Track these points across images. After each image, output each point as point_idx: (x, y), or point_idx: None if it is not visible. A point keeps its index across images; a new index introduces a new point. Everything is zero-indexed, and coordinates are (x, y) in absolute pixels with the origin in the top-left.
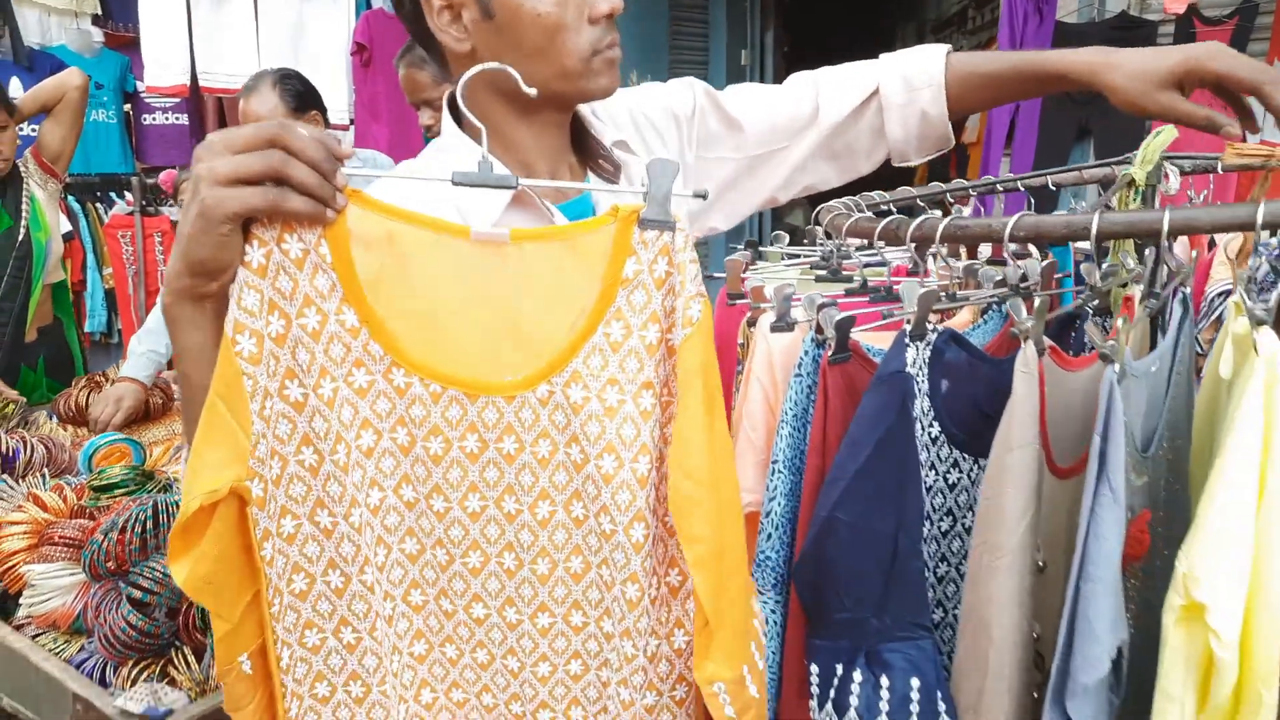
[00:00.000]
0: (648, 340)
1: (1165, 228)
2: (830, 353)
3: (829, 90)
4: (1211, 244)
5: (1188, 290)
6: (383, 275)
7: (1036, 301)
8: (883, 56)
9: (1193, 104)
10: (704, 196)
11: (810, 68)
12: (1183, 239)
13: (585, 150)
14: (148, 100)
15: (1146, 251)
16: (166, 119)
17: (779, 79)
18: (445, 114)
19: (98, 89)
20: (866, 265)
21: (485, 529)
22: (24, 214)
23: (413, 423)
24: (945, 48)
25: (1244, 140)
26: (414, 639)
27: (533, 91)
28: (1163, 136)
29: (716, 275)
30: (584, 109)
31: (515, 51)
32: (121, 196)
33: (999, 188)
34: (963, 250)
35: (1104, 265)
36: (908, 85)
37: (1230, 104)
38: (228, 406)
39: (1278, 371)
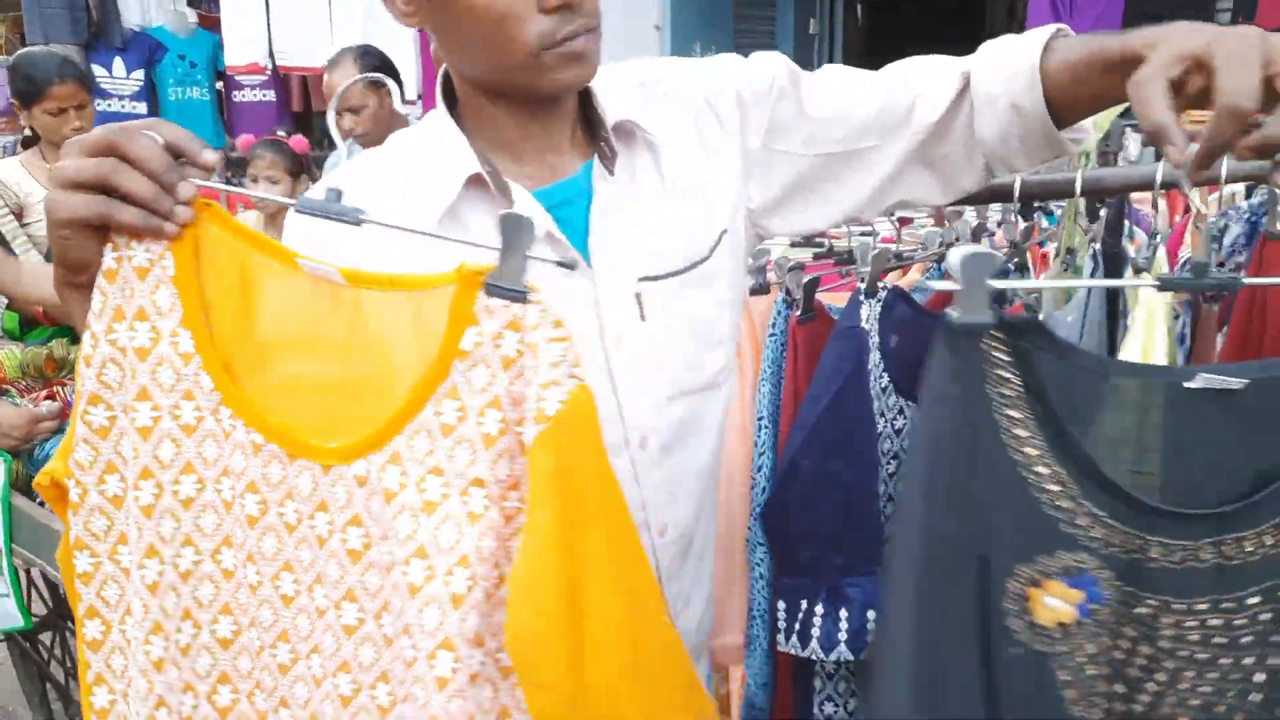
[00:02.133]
0: (485, 429)
1: (1079, 187)
2: (798, 313)
3: (924, 82)
4: (1187, 209)
5: (1097, 247)
6: (225, 300)
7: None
8: (986, 43)
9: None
10: (570, 267)
11: (886, 40)
12: (1162, 206)
13: (593, 122)
14: (238, 79)
15: (1102, 212)
16: (255, 96)
17: (849, 50)
18: (440, 96)
19: (191, 68)
20: (862, 235)
21: (296, 620)
22: None
23: (234, 474)
24: (1054, 27)
25: None
26: None
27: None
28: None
29: None
30: (624, 73)
31: (458, 37)
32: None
33: None
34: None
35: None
36: (1000, 74)
37: None
38: (75, 401)
39: (1152, 310)
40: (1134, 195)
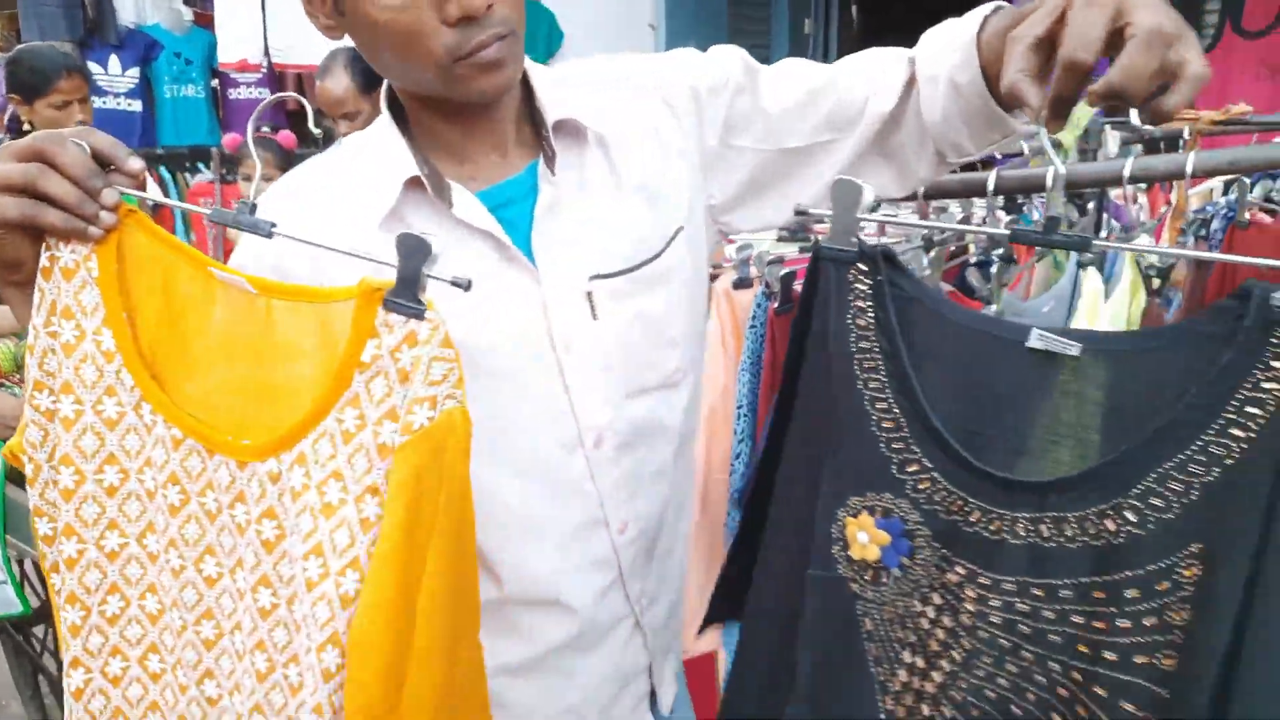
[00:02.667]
0: (381, 439)
1: (1050, 181)
2: (776, 305)
3: (875, 73)
4: (1168, 204)
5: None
6: (147, 302)
7: (933, 252)
8: (932, 28)
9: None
10: (465, 287)
11: (881, 40)
12: (1143, 200)
13: (539, 122)
14: (233, 76)
15: (1089, 206)
16: (250, 93)
17: (844, 50)
18: (384, 100)
19: (187, 65)
20: None
21: (219, 600)
22: None
23: (155, 466)
24: (993, 5)
25: None
26: (147, 710)
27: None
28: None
29: None
30: (577, 70)
31: (376, 52)
32: (208, 167)
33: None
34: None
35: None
36: (940, 54)
37: None
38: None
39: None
40: (1115, 191)
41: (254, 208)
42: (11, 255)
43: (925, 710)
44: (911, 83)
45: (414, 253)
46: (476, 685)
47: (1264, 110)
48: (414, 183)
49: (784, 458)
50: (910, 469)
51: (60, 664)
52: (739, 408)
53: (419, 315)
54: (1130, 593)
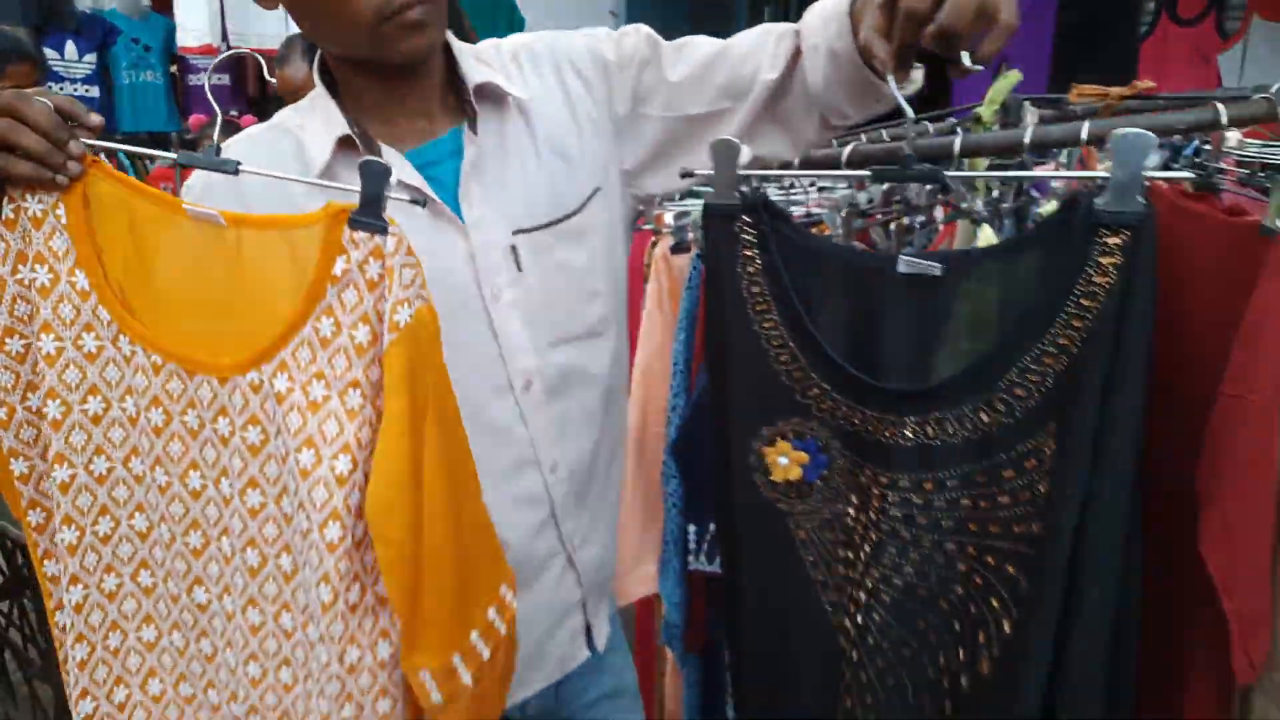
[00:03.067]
0: (357, 340)
1: (957, 149)
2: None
3: (766, 44)
4: None
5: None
6: (117, 244)
7: (843, 212)
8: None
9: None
10: (420, 204)
11: None
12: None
13: (462, 89)
14: (192, 61)
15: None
16: (213, 79)
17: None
18: (316, 69)
19: (145, 51)
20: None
21: (205, 509)
22: None
23: (137, 393)
24: None
25: None
26: (143, 623)
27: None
28: (1009, 78)
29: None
30: (504, 43)
31: (308, 16)
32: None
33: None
34: None
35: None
36: (820, 24)
37: None
38: None
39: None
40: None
41: (219, 149)
42: None
43: (863, 598)
44: (797, 54)
45: (376, 176)
46: (486, 539)
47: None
48: (345, 143)
49: (703, 404)
50: (812, 393)
51: (25, 636)
52: (675, 365)
53: (383, 231)
54: (1006, 473)
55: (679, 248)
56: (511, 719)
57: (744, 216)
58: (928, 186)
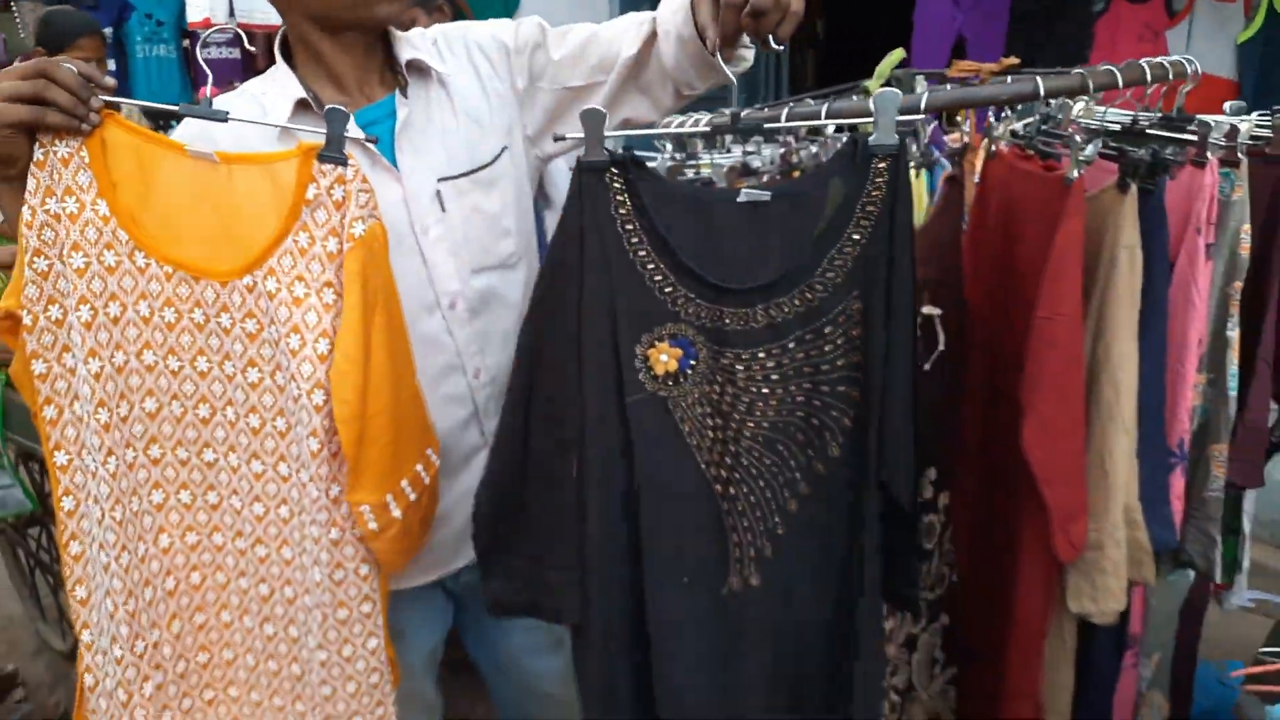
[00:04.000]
0: (329, 249)
1: (822, 115)
2: None
3: (629, 28)
4: None
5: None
6: (129, 179)
7: (765, 178)
8: None
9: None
10: (373, 141)
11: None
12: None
13: (395, 66)
14: (201, 35)
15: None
16: (221, 53)
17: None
18: (277, 42)
19: (158, 26)
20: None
21: (211, 386)
22: None
23: (151, 296)
24: None
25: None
26: (152, 488)
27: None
28: (893, 56)
29: None
30: (427, 32)
31: None
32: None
33: None
34: None
35: None
36: (669, 12)
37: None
38: (20, 256)
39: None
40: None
41: (212, 102)
42: (12, 151)
43: (731, 449)
44: (653, 36)
45: (338, 120)
46: (417, 409)
47: None
48: (302, 105)
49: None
50: (679, 301)
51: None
52: None
53: (344, 163)
54: (828, 329)
55: None
56: (447, 587)
57: (612, 169)
58: (813, 149)
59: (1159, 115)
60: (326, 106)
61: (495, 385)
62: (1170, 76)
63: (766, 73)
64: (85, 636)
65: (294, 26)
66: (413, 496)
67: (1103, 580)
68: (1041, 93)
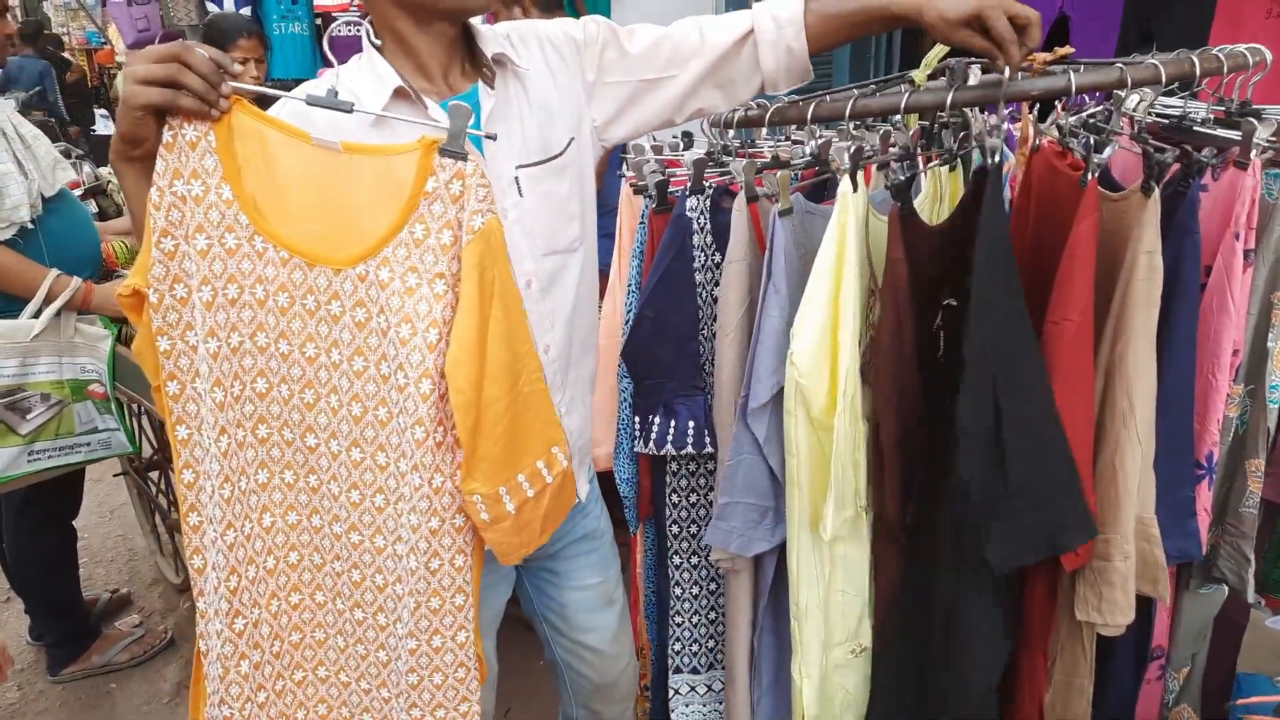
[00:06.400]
0: (443, 241)
1: (848, 111)
2: (655, 206)
3: (712, 28)
4: None
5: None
6: (252, 164)
7: (779, 173)
8: (755, 4)
9: (982, 40)
10: (493, 138)
11: None
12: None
13: (475, 58)
14: (334, 13)
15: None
16: (349, 30)
17: None
18: (366, 27)
19: (293, 4)
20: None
21: (318, 372)
22: None
23: (267, 281)
24: None
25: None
26: (258, 468)
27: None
28: (936, 49)
29: None
30: (497, 28)
31: None
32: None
33: None
34: None
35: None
36: (777, 24)
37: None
38: (146, 235)
39: (846, 202)
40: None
41: (337, 93)
42: (141, 132)
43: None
44: (746, 38)
45: (460, 115)
46: (540, 403)
47: (1270, 47)
48: (399, 93)
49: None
50: None
51: (170, 502)
52: (629, 286)
53: (464, 158)
54: None
55: (640, 190)
56: None
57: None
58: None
59: (1212, 107)
60: (449, 102)
61: (560, 361)
62: (1226, 69)
63: (877, 51)
64: (200, 605)
65: (382, 14)
66: (530, 492)
67: (1109, 592)
68: (1074, 89)
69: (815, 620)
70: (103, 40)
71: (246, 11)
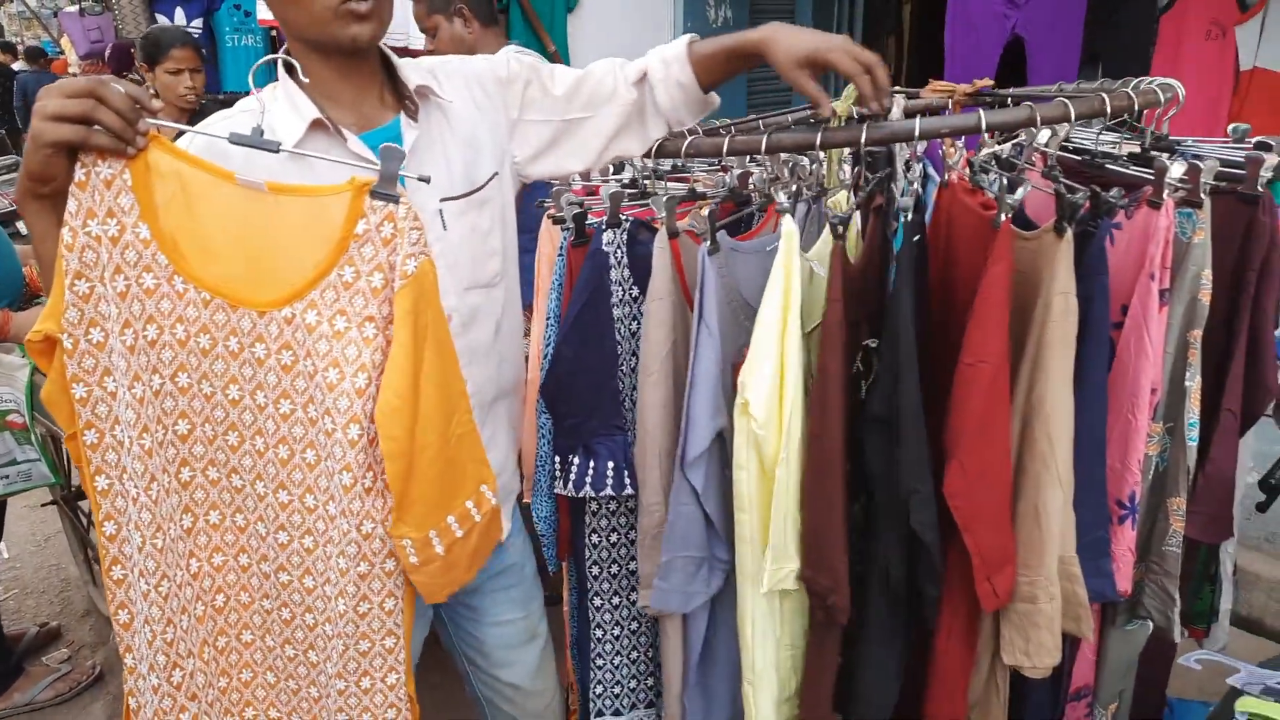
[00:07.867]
0: (374, 284)
1: (763, 146)
2: (572, 239)
3: (622, 75)
4: None
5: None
6: (172, 203)
7: (705, 211)
8: (652, 50)
9: (813, 84)
10: (426, 180)
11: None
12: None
13: (397, 89)
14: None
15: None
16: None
17: (870, 9)
18: (282, 57)
19: (245, 17)
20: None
21: (241, 415)
22: None
23: (188, 321)
24: (690, 36)
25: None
26: (183, 512)
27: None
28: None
29: None
30: (420, 61)
31: (284, 7)
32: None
33: None
34: None
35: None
36: (664, 63)
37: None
38: (57, 278)
39: (792, 244)
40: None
41: (262, 131)
42: (51, 170)
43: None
44: (642, 80)
45: (393, 158)
46: (471, 445)
47: (1208, 68)
48: (316, 123)
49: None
50: None
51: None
52: (548, 319)
53: (396, 200)
54: None
55: (558, 220)
56: None
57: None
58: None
59: (1126, 140)
60: (382, 146)
61: (480, 397)
62: (1138, 106)
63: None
64: (128, 660)
65: (292, 45)
66: (459, 533)
67: (1036, 634)
68: (983, 127)
69: (769, 683)
70: (57, 50)
71: (199, 24)
